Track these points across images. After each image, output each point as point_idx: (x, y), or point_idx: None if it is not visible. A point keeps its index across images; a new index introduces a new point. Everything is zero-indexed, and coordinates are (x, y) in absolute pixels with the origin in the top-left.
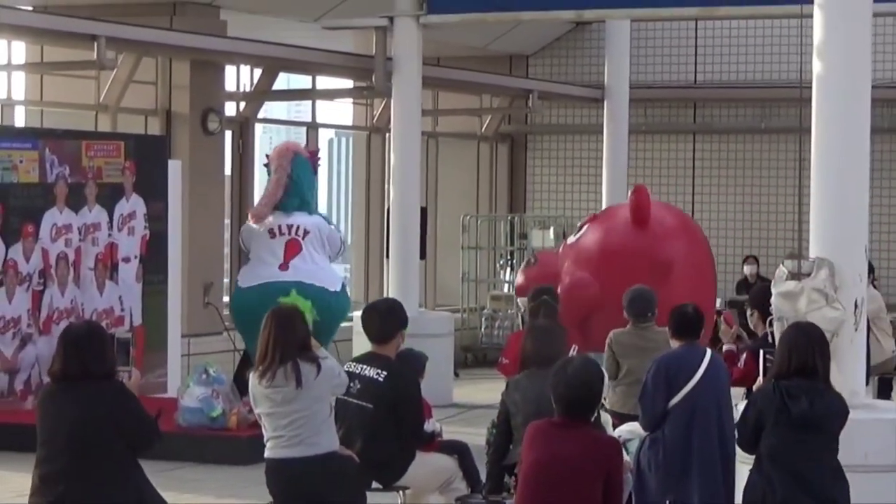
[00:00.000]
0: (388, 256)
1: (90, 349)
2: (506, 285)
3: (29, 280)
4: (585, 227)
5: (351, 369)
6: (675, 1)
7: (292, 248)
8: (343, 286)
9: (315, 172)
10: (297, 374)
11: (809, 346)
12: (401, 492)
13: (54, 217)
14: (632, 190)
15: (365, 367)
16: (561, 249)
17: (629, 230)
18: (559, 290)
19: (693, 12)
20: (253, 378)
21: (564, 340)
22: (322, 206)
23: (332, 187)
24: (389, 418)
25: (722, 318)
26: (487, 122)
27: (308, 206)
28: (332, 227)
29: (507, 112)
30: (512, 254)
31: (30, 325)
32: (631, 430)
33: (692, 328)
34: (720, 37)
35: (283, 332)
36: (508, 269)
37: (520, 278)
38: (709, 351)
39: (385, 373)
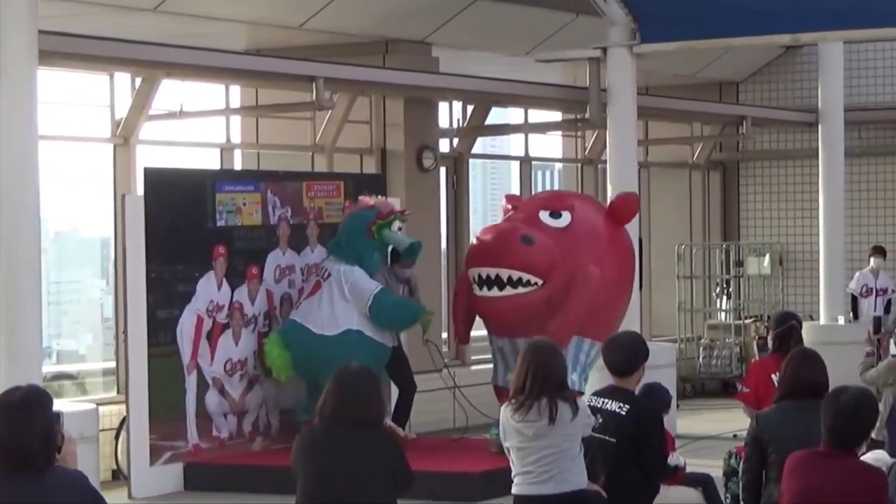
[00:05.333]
0: None
1: (367, 394)
2: (722, 314)
3: (255, 322)
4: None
5: (592, 403)
6: (892, 20)
7: (312, 290)
8: (347, 332)
9: (370, 234)
10: (552, 410)
11: None
12: None
13: (277, 258)
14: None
15: (607, 400)
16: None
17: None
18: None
19: None
20: (505, 410)
21: (826, 369)
22: None
23: None
24: (632, 452)
25: None
26: (699, 150)
27: (340, 250)
28: (358, 282)
29: (719, 140)
30: (728, 282)
31: (256, 367)
32: (877, 458)
33: None
34: None
35: (542, 367)
36: (725, 298)
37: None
38: None
39: (628, 406)
